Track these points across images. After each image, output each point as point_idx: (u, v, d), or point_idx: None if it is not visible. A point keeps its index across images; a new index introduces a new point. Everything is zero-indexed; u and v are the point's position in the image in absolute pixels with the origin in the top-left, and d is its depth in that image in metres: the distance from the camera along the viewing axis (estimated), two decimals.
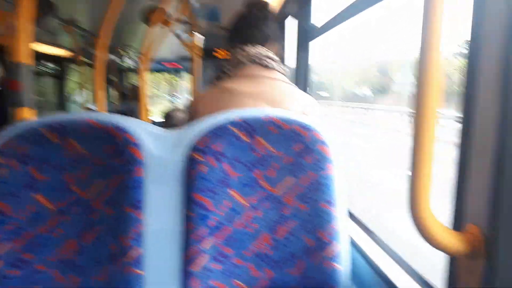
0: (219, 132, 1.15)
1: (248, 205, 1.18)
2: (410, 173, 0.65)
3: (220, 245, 1.17)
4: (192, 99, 1.44)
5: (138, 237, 1.15)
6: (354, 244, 1.34)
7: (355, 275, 1.31)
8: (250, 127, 1.16)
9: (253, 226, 1.18)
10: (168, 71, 9.07)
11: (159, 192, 1.17)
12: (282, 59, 1.54)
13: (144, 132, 1.21)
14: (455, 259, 0.73)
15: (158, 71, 9.01)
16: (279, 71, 1.38)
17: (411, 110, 0.64)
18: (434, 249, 0.70)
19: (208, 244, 1.16)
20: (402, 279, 1.06)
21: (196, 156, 1.15)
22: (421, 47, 0.60)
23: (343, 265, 1.16)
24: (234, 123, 1.16)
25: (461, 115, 0.69)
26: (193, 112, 1.37)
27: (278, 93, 1.32)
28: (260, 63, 1.33)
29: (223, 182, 1.16)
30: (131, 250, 1.15)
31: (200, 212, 1.15)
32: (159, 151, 1.19)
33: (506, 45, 0.58)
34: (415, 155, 0.64)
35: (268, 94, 1.30)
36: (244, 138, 1.16)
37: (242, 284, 1.19)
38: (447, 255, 0.74)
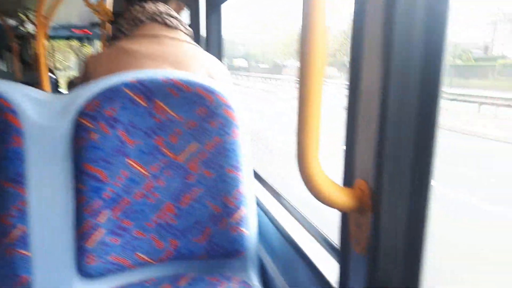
0: (111, 95, 1.04)
1: (149, 174, 1.10)
2: (298, 132, 0.62)
3: (118, 218, 1.09)
4: (85, 60, 1.28)
5: (21, 215, 1.02)
6: (261, 207, 1.34)
7: (262, 238, 1.31)
8: (148, 89, 1.07)
9: (155, 196, 1.11)
10: (78, 38, 8.33)
11: (44, 164, 1.04)
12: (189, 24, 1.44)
13: (24, 97, 1.06)
14: (346, 215, 0.74)
15: (67, 38, 8.23)
16: (183, 31, 1.29)
17: (299, 69, 0.61)
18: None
19: (103, 217, 1.06)
20: (305, 239, 1.07)
21: (85, 123, 1.03)
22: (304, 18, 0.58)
23: (250, 229, 1.15)
24: (129, 85, 1.06)
25: (348, 80, 0.69)
26: (85, 76, 1.23)
27: (182, 54, 1.23)
28: (161, 21, 1.23)
29: (119, 150, 1.06)
30: (13, 230, 1.02)
31: (93, 184, 1.05)
32: (42, 118, 1.05)
33: (386, 17, 0.58)
34: (303, 112, 0.61)
35: (170, 55, 1.21)
36: (141, 102, 1.07)
37: (145, 257, 1.13)
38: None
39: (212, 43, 2.00)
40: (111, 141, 1.05)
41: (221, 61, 1.99)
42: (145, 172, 1.10)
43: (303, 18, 0.58)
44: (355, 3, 0.67)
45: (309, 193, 0.66)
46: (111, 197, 1.07)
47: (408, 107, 0.60)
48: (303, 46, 0.59)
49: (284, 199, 1.32)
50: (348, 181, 0.72)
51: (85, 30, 6.84)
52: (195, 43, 1.32)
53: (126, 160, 1.08)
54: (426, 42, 0.59)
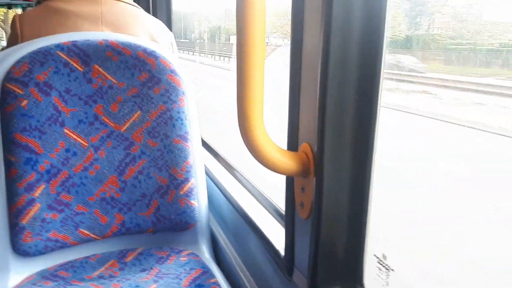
0: (42, 58, 0.95)
1: (89, 145, 1.03)
2: (239, 96, 0.59)
3: (56, 192, 1.01)
4: (13, 20, 1.16)
5: None
6: (210, 177, 1.30)
7: (213, 209, 1.29)
8: (83, 52, 0.98)
9: (96, 169, 1.05)
10: (19, 5, 7.69)
11: None
12: None
13: None
14: (292, 179, 0.72)
15: (8, 6, 7.58)
16: None
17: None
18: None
19: (39, 191, 0.99)
20: (255, 208, 1.06)
21: (13, 88, 0.94)
22: None
23: (199, 201, 1.11)
24: (62, 48, 0.97)
25: (291, 45, 0.66)
26: (13, 38, 1.11)
27: (122, 16, 1.14)
28: None
29: (54, 119, 0.98)
30: None
31: (26, 156, 0.96)
32: None
33: None
34: (243, 75, 0.58)
35: (109, 16, 1.11)
36: (76, 66, 0.98)
37: (88, 233, 1.07)
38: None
39: (160, 10, 1.89)
40: (44, 108, 0.96)
41: (171, 29, 1.90)
42: (85, 143, 1.03)
43: None
44: None
45: (253, 158, 0.63)
46: (47, 169, 0.99)
47: (349, 70, 0.58)
48: (239, 5, 0.55)
49: (234, 168, 1.29)
50: (292, 145, 0.70)
51: None
52: (137, 5, 1.23)
53: (63, 129, 1.00)
54: (365, 10, 0.57)
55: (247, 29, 0.56)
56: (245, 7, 0.55)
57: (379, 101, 0.60)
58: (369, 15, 0.57)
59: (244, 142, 0.62)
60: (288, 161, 0.64)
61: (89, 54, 0.98)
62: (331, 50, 0.56)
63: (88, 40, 0.99)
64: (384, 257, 0.64)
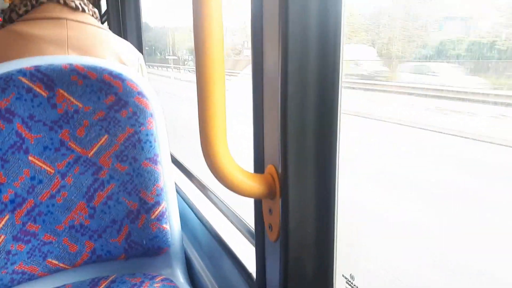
0: (3, 84, 0.93)
1: (54, 171, 1.00)
2: (202, 122, 0.58)
3: (21, 222, 0.98)
4: None
5: None
6: (184, 199, 1.28)
7: (187, 231, 1.26)
8: (47, 77, 0.96)
9: (64, 196, 1.01)
10: None
11: None
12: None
13: None
14: (260, 202, 0.71)
15: None
16: (89, 14, 1.18)
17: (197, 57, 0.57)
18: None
19: (3, 222, 0.95)
20: (228, 230, 1.04)
21: None
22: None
23: (172, 224, 1.09)
24: (24, 73, 0.94)
25: (252, 68, 0.67)
26: None
27: (88, 39, 1.12)
28: (62, 2, 1.11)
29: (17, 146, 0.95)
30: None
31: None
32: None
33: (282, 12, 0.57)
34: (205, 98, 0.57)
35: (74, 40, 1.10)
36: (40, 91, 0.96)
37: (58, 262, 1.03)
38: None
39: (130, 30, 1.88)
40: (6, 136, 0.93)
41: (141, 49, 1.89)
42: (51, 170, 1.00)
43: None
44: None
45: (219, 182, 0.62)
46: (11, 199, 0.96)
47: (308, 92, 0.58)
48: (197, 29, 0.55)
49: (207, 188, 1.28)
50: (259, 167, 0.69)
51: None
52: (104, 27, 1.22)
53: (27, 157, 0.97)
54: (321, 29, 0.58)
55: (205, 51, 0.56)
56: (203, 36, 0.55)
57: (339, 120, 0.60)
58: (325, 33, 0.58)
59: (208, 166, 0.61)
60: (254, 184, 0.63)
61: (53, 79, 0.96)
62: (289, 72, 0.57)
63: (52, 64, 0.97)
64: (352, 277, 0.64)
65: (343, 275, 0.66)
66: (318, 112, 0.59)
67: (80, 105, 0.99)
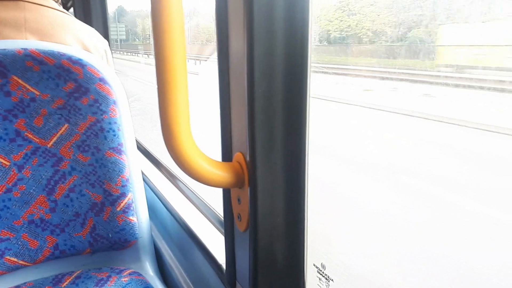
0: None
1: (9, 163, 0.94)
2: (163, 110, 0.54)
3: None
4: None
5: None
6: (152, 189, 1.24)
7: (157, 222, 1.23)
8: (0, 63, 0.89)
9: (21, 189, 0.96)
10: None
11: None
12: None
13: None
14: (229, 191, 0.69)
15: None
16: None
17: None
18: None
19: None
20: (197, 220, 1.01)
21: None
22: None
23: (139, 216, 1.05)
24: None
25: (218, 54, 0.63)
26: None
27: (47, 23, 1.05)
28: None
29: None
30: None
31: None
32: None
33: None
34: (165, 85, 0.53)
35: (32, 23, 1.02)
36: None
37: (17, 260, 0.98)
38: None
39: (96, 16, 1.79)
40: None
41: (107, 36, 1.81)
42: (6, 162, 0.93)
43: None
44: None
45: (184, 173, 0.59)
46: None
47: (275, 77, 0.56)
48: (155, 11, 0.51)
49: (176, 177, 1.24)
50: (226, 155, 0.66)
51: None
52: (66, 11, 1.15)
53: None
54: (288, 13, 0.55)
55: (164, 31, 0.52)
56: (162, 10, 0.51)
57: (307, 106, 0.58)
58: (292, 20, 0.55)
59: (170, 155, 0.58)
60: (221, 173, 0.60)
61: (5, 65, 0.89)
62: (256, 58, 0.54)
63: (5, 49, 0.90)
64: (323, 266, 0.62)
65: (314, 264, 0.64)
66: (286, 98, 0.57)
67: (37, 93, 0.93)
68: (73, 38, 1.09)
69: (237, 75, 0.60)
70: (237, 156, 0.63)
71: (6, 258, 0.96)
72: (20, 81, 0.91)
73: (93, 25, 1.81)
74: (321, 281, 0.64)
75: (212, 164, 0.60)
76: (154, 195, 1.22)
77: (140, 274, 1.02)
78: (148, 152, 1.46)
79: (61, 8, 1.14)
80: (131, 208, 1.02)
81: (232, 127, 0.64)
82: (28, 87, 0.92)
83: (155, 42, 0.52)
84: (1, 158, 0.93)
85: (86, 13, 1.87)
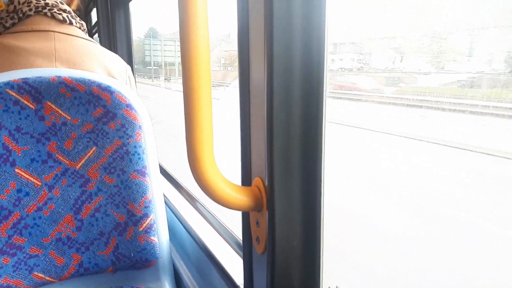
0: None
1: (41, 183, 0.99)
2: (188, 135, 0.59)
3: (7, 234, 0.97)
4: None
5: None
6: (172, 211, 1.28)
7: (176, 243, 1.26)
8: (35, 90, 0.96)
9: (51, 208, 1.01)
10: None
11: None
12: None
13: None
14: (248, 214, 0.72)
15: None
16: (76, 26, 1.18)
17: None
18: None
19: None
20: (216, 242, 1.04)
21: None
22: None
23: (160, 236, 1.09)
24: (12, 86, 0.94)
25: (239, 82, 0.68)
26: None
27: (75, 52, 1.12)
28: (49, 15, 1.11)
29: (3, 159, 0.95)
30: None
31: None
32: None
33: (267, 23, 0.58)
34: (191, 110, 0.58)
35: (62, 53, 1.10)
36: (27, 103, 0.96)
37: (44, 276, 1.02)
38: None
39: (121, 42, 1.89)
40: None
41: (131, 61, 1.89)
42: (38, 182, 0.99)
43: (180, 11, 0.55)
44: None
45: (205, 195, 0.63)
46: None
47: (293, 106, 0.60)
48: (183, 40, 0.56)
49: (196, 199, 1.27)
50: (246, 180, 0.70)
51: None
52: (92, 40, 1.22)
53: (14, 169, 0.96)
54: (305, 46, 0.59)
55: (192, 64, 0.57)
56: (189, 45, 0.56)
57: (323, 133, 0.61)
58: (309, 51, 0.59)
59: (194, 179, 0.62)
60: (241, 197, 0.64)
61: (41, 91, 0.96)
62: (275, 88, 0.58)
63: (40, 77, 0.97)
64: None
65: (329, 287, 0.66)
66: (303, 125, 0.60)
67: (68, 118, 0.99)
68: (99, 65, 1.16)
69: (257, 104, 0.64)
70: (256, 181, 0.66)
71: (34, 274, 1.01)
72: (53, 106, 0.98)
73: (117, 50, 1.90)
74: None
75: (233, 188, 0.64)
76: (175, 216, 1.26)
77: None
78: (169, 174, 1.51)
79: (87, 36, 1.21)
80: (153, 229, 1.05)
81: (251, 153, 0.67)
82: (60, 112, 0.98)
83: (184, 75, 0.57)
84: (34, 178, 0.98)
85: (111, 39, 1.97)
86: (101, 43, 2.04)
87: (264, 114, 0.60)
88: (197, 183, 0.62)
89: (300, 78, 0.59)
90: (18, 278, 0.99)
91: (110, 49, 1.26)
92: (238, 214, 0.74)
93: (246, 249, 0.72)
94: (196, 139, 0.59)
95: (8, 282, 0.98)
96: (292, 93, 0.59)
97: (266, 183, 0.62)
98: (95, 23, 2.13)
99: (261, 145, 0.63)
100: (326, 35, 0.58)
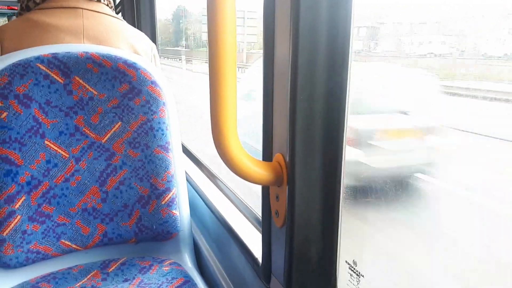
0: (22, 70, 0.96)
1: (68, 155, 1.03)
2: (212, 108, 0.60)
3: (36, 203, 1.02)
4: None
5: None
6: (193, 186, 1.31)
7: (196, 217, 1.29)
8: (64, 65, 0.99)
9: (78, 180, 1.05)
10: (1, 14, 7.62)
11: None
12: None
13: None
14: (267, 189, 0.74)
15: None
16: (104, 4, 1.20)
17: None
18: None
19: (20, 203, 0.99)
20: (235, 216, 1.07)
21: None
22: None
23: (181, 210, 1.12)
24: (42, 60, 0.97)
25: (263, 60, 0.69)
26: None
27: (103, 29, 1.15)
28: None
29: (34, 131, 0.99)
30: None
31: (6, 167, 0.96)
32: None
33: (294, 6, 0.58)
34: (216, 87, 0.59)
35: (90, 30, 1.12)
36: (57, 78, 0.99)
37: (70, 243, 1.07)
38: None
39: (144, 20, 1.90)
40: (23, 120, 0.97)
41: (155, 39, 1.91)
42: (66, 154, 1.03)
43: None
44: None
45: (228, 169, 0.65)
46: (28, 181, 0.99)
47: (317, 82, 0.60)
48: (210, 22, 0.57)
49: (216, 177, 1.30)
50: (267, 155, 0.71)
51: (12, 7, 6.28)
52: (119, 17, 1.24)
53: (43, 141, 1.00)
54: (331, 24, 0.59)
55: (218, 42, 0.58)
56: (216, 22, 0.57)
57: (346, 111, 0.62)
58: (334, 29, 0.59)
59: (218, 153, 0.63)
60: (262, 171, 0.65)
61: (69, 66, 0.99)
62: (299, 65, 0.59)
63: (69, 52, 1.00)
64: (355, 263, 0.66)
65: (346, 261, 0.68)
66: (326, 103, 0.61)
67: (95, 93, 1.02)
68: (125, 43, 1.18)
69: (280, 81, 0.65)
70: (277, 156, 0.68)
71: (62, 242, 1.06)
72: (81, 81, 1.01)
73: (141, 28, 1.92)
74: (352, 277, 0.67)
75: (254, 162, 0.65)
76: (195, 192, 1.30)
77: (179, 265, 1.09)
78: (191, 153, 1.54)
79: (114, 14, 1.23)
80: (175, 203, 1.09)
81: (273, 129, 0.69)
82: (87, 87, 1.02)
83: (210, 53, 0.58)
84: (62, 150, 1.02)
85: (134, 18, 1.99)
86: (125, 20, 2.07)
87: (288, 90, 0.61)
88: (221, 158, 0.64)
89: (325, 56, 0.59)
90: (47, 244, 1.04)
91: (134, 27, 1.28)
92: (258, 190, 0.76)
93: (265, 223, 0.75)
94: (220, 116, 0.60)
95: (38, 247, 1.03)
96: (317, 70, 0.59)
97: (287, 159, 0.63)
98: (120, 1, 2.15)
99: (283, 122, 0.64)
100: (352, 12, 0.59)
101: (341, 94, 0.61)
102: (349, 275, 0.68)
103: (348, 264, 0.68)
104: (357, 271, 0.67)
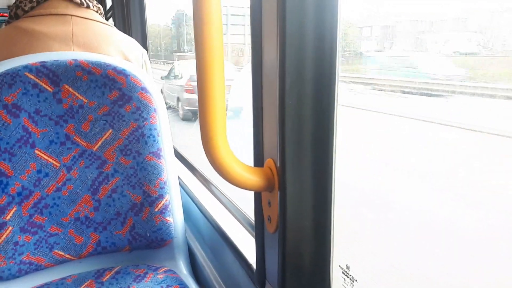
0: (10, 80, 0.95)
1: (59, 164, 1.02)
2: (202, 117, 0.60)
3: (28, 214, 1.00)
4: None
5: None
6: (187, 192, 1.31)
7: (190, 224, 1.28)
8: (53, 73, 0.98)
9: (69, 189, 1.04)
10: None
11: None
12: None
13: None
14: (260, 194, 0.73)
15: None
16: (93, 10, 1.19)
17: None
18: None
19: (11, 214, 0.98)
20: (229, 222, 1.06)
21: None
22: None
23: (175, 217, 1.11)
24: (30, 69, 0.97)
25: (251, 66, 0.68)
26: None
27: (92, 36, 1.14)
28: None
29: (23, 140, 0.98)
30: None
31: None
32: None
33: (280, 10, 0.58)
34: (205, 92, 0.59)
35: (79, 37, 1.12)
36: (45, 86, 0.98)
37: (64, 253, 1.06)
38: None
39: (135, 26, 1.90)
40: (13, 130, 0.96)
41: (146, 45, 1.91)
42: (57, 163, 1.02)
43: None
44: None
45: (219, 175, 0.64)
46: (19, 192, 0.98)
47: (305, 87, 0.60)
48: (197, 26, 0.56)
49: (210, 182, 1.30)
50: (258, 161, 0.71)
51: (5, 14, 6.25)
52: (109, 23, 1.23)
53: (33, 151, 0.99)
54: (317, 27, 0.59)
55: (205, 47, 0.57)
56: (203, 25, 0.57)
57: (335, 114, 0.62)
58: (321, 33, 0.59)
59: (208, 160, 0.63)
60: (253, 177, 0.65)
61: (58, 75, 0.98)
62: (287, 70, 0.58)
63: (57, 60, 0.99)
64: (348, 267, 0.66)
65: (339, 266, 0.68)
66: (315, 106, 0.61)
67: (85, 100, 1.01)
68: (115, 50, 1.17)
69: (269, 86, 0.64)
70: (268, 162, 0.67)
71: (55, 252, 1.05)
72: (70, 89, 1.00)
73: (132, 35, 1.91)
74: (345, 282, 0.67)
75: (245, 169, 0.65)
76: (189, 198, 1.29)
77: (174, 272, 1.08)
78: (183, 157, 1.53)
79: (104, 20, 1.22)
80: (168, 209, 1.08)
81: (263, 134, 0.68)
82: (77, 95, 1.01)
83: (197, 58, 0.58)
84: (53, 159, 1.01)
85: (125, 24, 1.98)
86: (116, 27, 2.06)
87: (276, 96, 0.61)
88: (211, 164, 0.63)
89: (313, 59, 0.59)
90: (39, 255, 1.03)
91: (124, 33, 1.27)
92: (250, 195, 0.76)
93: (258, 228, 0.74)
94: (209, 121, 0.60)
95: (30, 259, 1.02)
96: (304, 74, 0.59)
97: (278, 164, 0.63)
98: (110, 7, 2.14)
99: (273, 127, 0.64)
100: (339, 15, 0.58)
101: (330, 94, 0.61)
102: (343, 279, 0.67)
103: (342, 268, 0.68)
104: (350, 275, 0.66)
